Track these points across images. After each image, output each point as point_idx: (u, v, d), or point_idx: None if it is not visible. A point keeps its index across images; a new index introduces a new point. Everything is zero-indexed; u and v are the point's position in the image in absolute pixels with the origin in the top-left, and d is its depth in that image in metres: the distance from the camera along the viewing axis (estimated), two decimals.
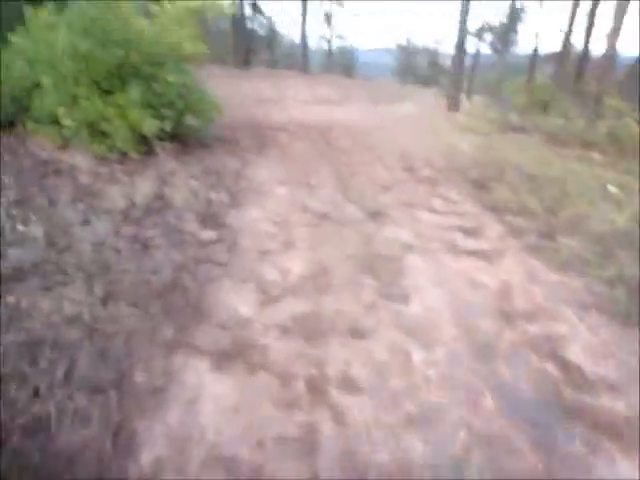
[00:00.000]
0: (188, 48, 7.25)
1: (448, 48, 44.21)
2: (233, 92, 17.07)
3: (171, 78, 6.22)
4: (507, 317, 3.02)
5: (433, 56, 45.13)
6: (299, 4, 31.40)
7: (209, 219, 4.24)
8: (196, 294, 3.04)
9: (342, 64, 45.64)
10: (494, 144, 9.27)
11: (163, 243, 3.69)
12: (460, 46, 13.83)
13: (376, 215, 4.80)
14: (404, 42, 45.71)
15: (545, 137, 9.80)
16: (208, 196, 4.81)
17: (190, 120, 6.43)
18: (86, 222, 3.84)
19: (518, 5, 26.58)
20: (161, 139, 6.01)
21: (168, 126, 6.04)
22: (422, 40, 45.04)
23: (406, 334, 2.74)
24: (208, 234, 3.91)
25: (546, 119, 10.86)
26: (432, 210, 5.11)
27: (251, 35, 38.98)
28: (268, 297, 3.05)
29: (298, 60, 32.21)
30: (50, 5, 6.60)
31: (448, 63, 47.24)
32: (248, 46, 36.61)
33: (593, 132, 9.32)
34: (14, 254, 3.21)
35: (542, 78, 15.76)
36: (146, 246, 3.64)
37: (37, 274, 3.01)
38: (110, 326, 2.59)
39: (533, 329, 2.91)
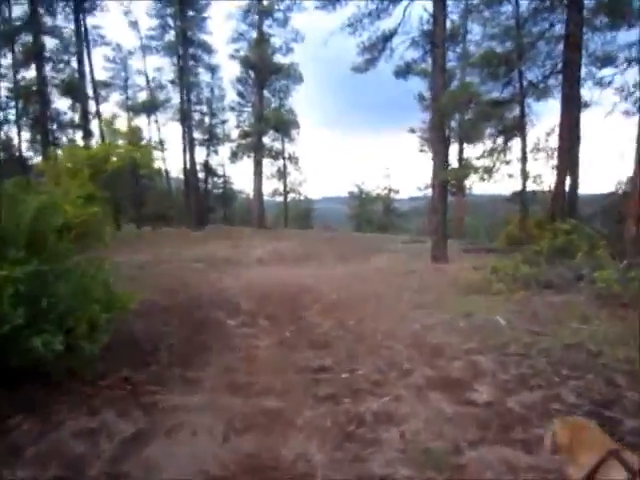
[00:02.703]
0: (69, 212, 4.47)
1: (402, 194, 45.19)
2: (177, 257, 14.41)
3: None
4: None
5: (387, 202, 45.70)
6: (252, 162, 30.92)
7: None
8: None
9: (298, 215, 45.33)
10: (540, 314, 6.51)
11: None
12: (442, 192, 11.98)
13: None
14: (356, 190, 46.35)
15: (594, 296, 7.17)
16: None
17: (38, 343, 3.27)
18: None
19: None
20: None
21: None
22: (373, 187, 45.70)
23: None
24: None
25: (578, 270, 8.38)
26: None
27: (205, 195, 38.35)
28: None
29: (254, 215, 30.82)
30: None
31: (403, 209, 48.20)
32: (202, 206, 35.54)
33: None
34: None
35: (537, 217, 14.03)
36: None
37: None
38: None
39: None
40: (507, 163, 12.86)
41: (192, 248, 16.93)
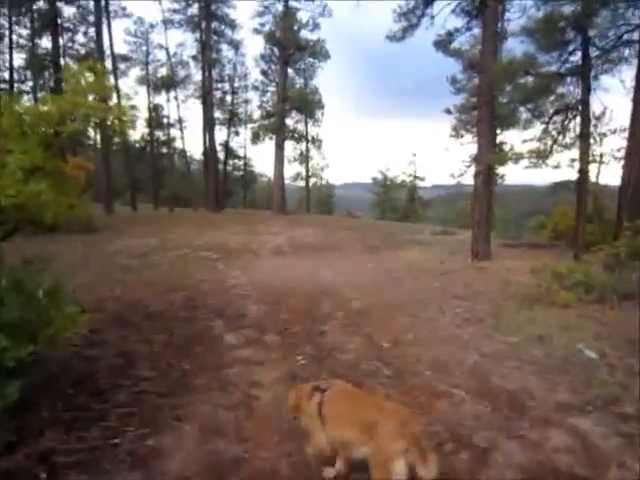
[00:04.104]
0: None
1: (425, 182, 43.25)
2: (187, 244, 13.06)
3: None
4: None
5: (411, 190, 43.76)
6: (273, 144, 29.32)
7: None
8: None
9: (320, 201, 43.80)
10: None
11: None
12: (487, 178, 10.24)
13: None
14: (380, 176, 44.45)
15: None
16: None
17: None
18: None
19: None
20: None
21: None
22: (398, 173, 43.96)
23: None
24: None
25: None
26: None
27: (225, 177, 37.06)
28: None
29: (274, 200, 29.37)
30: None
31: (426, 197, 46.17)
32: (222, 188, 34.28)
33: None
34: None
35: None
36: None
37: None
38: None
39: None
40: (566, 147, 10.97)
41: (206, 233, 15.59)
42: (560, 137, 11.24)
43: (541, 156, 10.02)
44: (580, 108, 10.89)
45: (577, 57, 10.98)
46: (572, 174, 12.33)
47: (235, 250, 12.56)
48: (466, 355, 4.55)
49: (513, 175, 61.65)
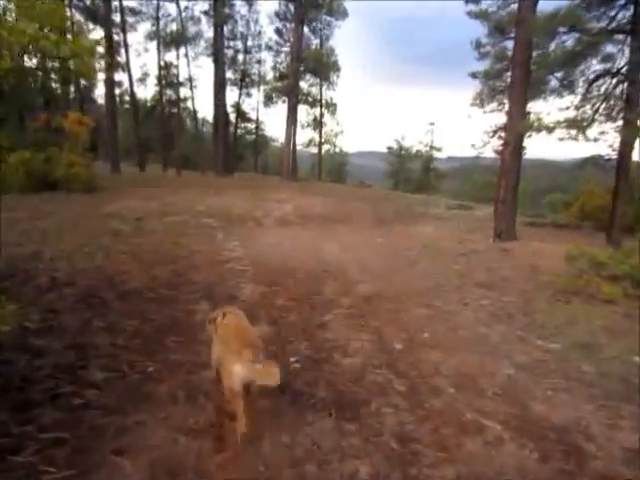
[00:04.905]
0: None
1: (439, 154, 41.81)
2: (189, 209, 12.23)
3: None
4: None
5: (427, 161, 42.29)
6: (286, 108, 28.01)
7: None
8: None
9: (332, 169, 42.54)
10: None
11: None
12: (517, 149, 9.16)
13: None
14: (395, 145, 42.92)
15: None
16: None
17: None
18: None
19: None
20: None
21: None
22: (414, 143, 42.49)
23: None
24: None
25: None
26: None
27: (235, 140, 35.93)
28: None
29: (285, 165, 28.28)
30: None
31: (442, 168, 44.62)
32: (232, 152, 33.23)
33: None
34: None
35: None
36: None
37: None
38: None
39: None
40: (609, 116, 9.67)
41: (210, 198, 14.71)
42: (603, 105, 9.98)
43: (580, 126, 8.86)
44: (626, 72, 9.56)
45: (623, 15, 9.63)
46: (602, 149, 11.11)
47: (238, 218, 11.72)
48: (497, 366, 3.70)
49: (528, 149, 59.47)
